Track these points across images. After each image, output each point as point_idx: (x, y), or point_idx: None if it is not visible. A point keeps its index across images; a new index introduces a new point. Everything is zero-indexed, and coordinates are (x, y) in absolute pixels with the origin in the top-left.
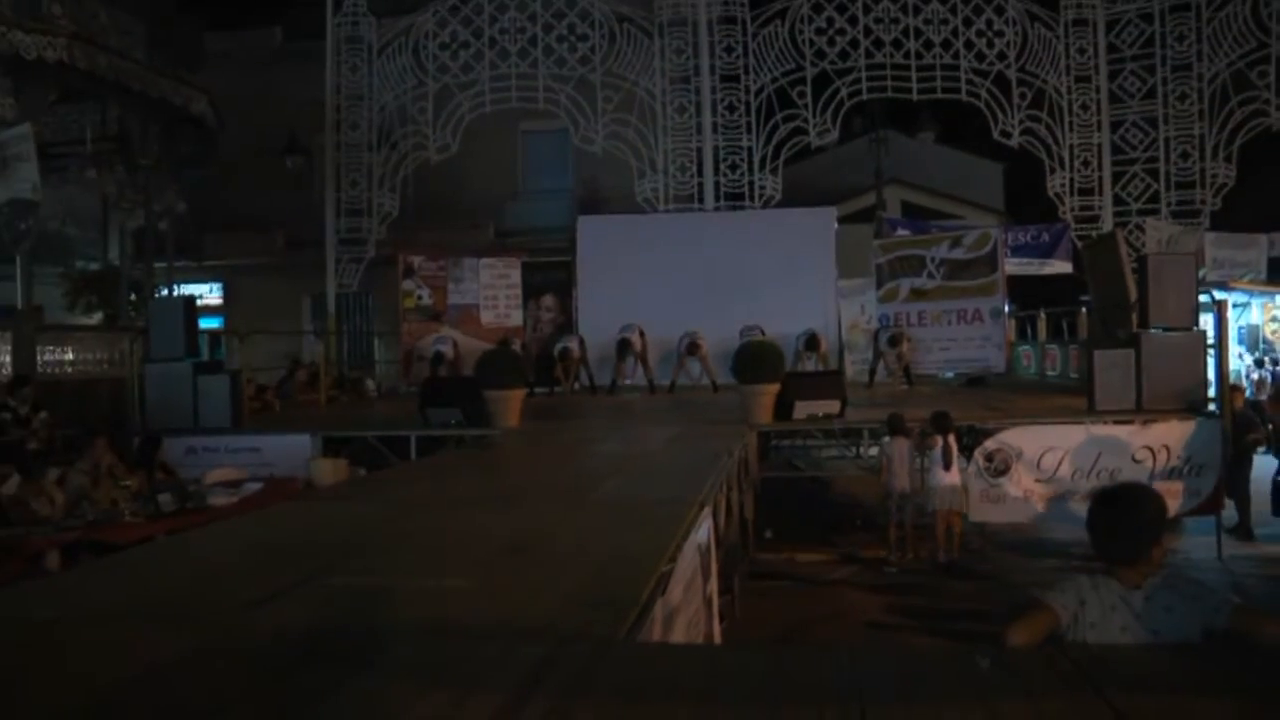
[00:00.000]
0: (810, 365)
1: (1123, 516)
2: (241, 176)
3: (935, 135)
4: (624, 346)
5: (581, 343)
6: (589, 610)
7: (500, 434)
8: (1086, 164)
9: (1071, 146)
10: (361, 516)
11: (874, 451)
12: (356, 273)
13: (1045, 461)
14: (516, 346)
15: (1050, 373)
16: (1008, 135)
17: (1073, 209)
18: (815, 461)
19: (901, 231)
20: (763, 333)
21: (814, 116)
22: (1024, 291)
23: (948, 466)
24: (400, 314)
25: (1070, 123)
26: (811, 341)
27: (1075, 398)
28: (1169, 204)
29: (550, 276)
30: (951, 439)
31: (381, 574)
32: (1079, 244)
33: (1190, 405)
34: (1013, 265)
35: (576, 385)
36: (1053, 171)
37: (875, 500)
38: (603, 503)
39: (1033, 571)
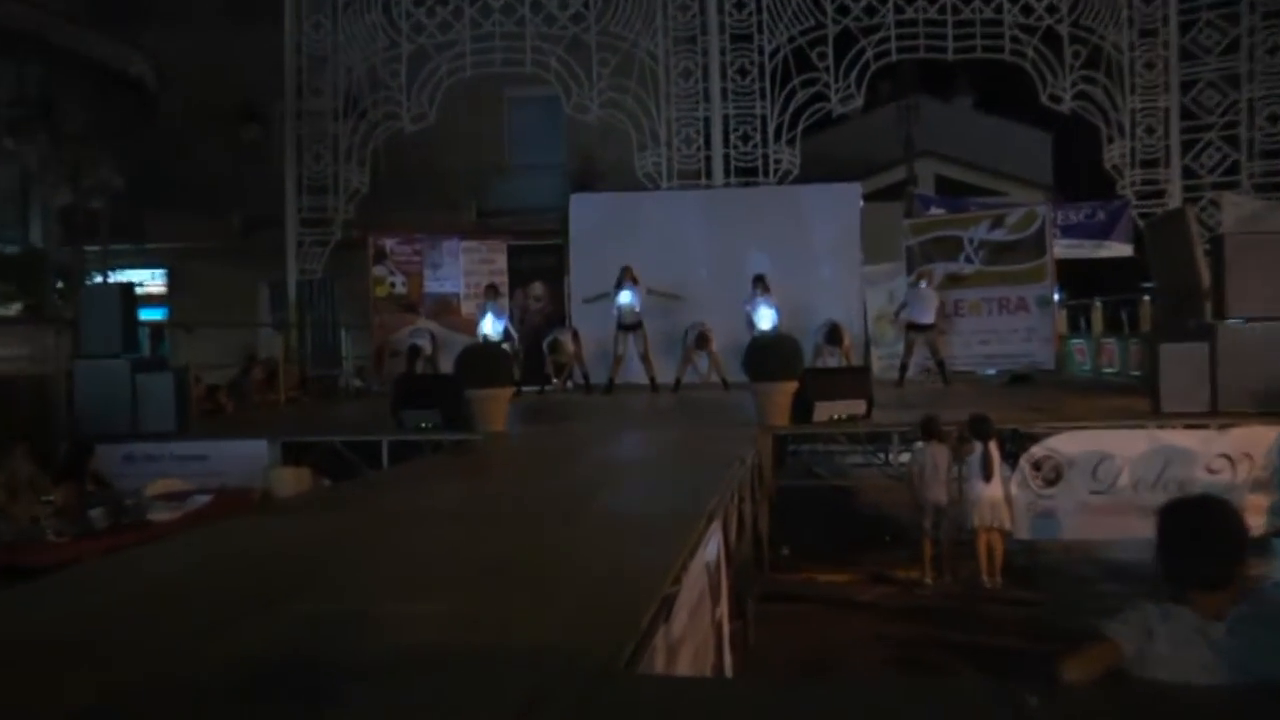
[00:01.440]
0: (832, 361)
1: (1199, 534)
2: (189, 148)
3: (974, 101)
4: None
5: (575, 335)
6: (582, 638)
7: (483, 438)
8: (1151, 131)
9: (1133, 111)
10: (326, 532)
11: (905, 458)
12: (321, 257)
13: (1102, 471)
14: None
15: (1107, 370)
16: (1058, 99)
17: (1134, 183)
18: (838, 469)
19: (935, 210)
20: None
21: (836, 81)
22: (1076, 277)
23: (988, 477)
24: (371, 304)
25: (1132, 84)
26: (833, 334)
27: (1137, 398)
28: (1251, 175)
29: (539, 261)
30: (993, 445)
31: (348, 598)
32: (1141, 223)
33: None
34: (1063, 247)
35: (569, 383)
36: (1111, 140)
37: (907, 513)
38: (598, 516)
39: (1089, 597)
